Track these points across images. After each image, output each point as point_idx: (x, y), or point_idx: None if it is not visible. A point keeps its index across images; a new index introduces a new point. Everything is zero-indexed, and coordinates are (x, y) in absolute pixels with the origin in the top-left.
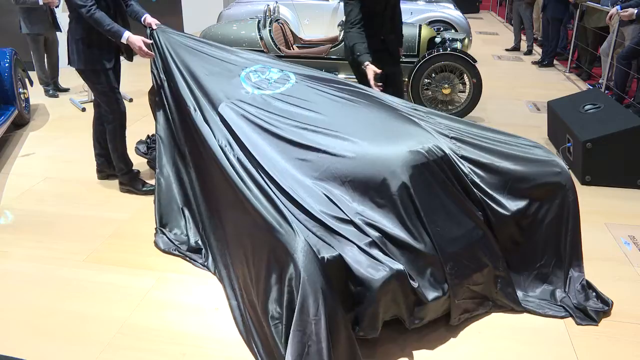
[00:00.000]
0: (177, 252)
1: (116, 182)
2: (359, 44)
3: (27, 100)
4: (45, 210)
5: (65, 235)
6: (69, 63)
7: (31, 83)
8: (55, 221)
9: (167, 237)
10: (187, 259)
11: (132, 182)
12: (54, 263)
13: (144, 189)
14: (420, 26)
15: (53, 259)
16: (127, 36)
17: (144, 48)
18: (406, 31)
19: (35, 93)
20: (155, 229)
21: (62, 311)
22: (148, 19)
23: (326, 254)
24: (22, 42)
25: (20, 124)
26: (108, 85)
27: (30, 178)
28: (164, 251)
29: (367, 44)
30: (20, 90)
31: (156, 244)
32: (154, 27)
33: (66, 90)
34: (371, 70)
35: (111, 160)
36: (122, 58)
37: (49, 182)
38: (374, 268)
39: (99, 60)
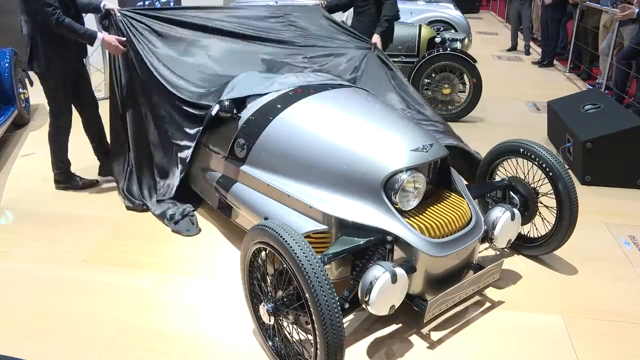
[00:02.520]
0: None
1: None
2: None
3: (27, 100)
4: (45, 210)
5: (65, 235)
6: (30, 68)
7: (31, 83)
8: (55, 221)
9: (127, 192)
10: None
11: (68, 180)
12: (54, 263)
13: (82, 183)
14: (420, 26)
15: (53, 259)
16: (102, 37)
17: (120, 45)
18: (406, 31)
19: (35, 93)
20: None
21: (62, 311)
22: (108, 5)
23: None
24: (22, 42)
25: (20, 124)
26: (63, 91)
27: (30, 178)
28: (128, 207)
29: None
30: (20, 90)
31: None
32: (117, 12)
33: None
34: None
35: None
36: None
37: (49, 182)
38: None
39: (62, 64)
